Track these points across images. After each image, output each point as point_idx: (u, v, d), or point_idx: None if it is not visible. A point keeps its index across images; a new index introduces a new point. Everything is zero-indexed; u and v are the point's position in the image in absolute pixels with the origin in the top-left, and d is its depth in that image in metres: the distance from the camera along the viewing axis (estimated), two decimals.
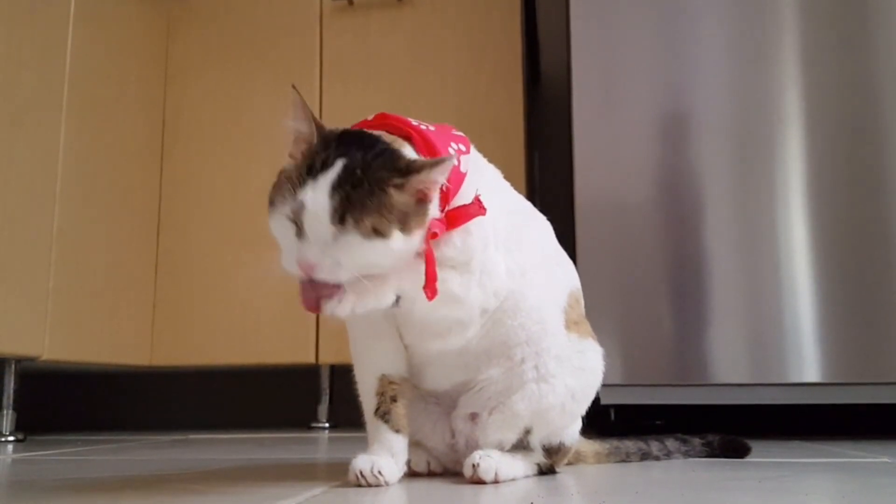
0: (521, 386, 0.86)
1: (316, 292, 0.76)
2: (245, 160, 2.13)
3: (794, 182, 1.53)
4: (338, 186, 0.73)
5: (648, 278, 1.55)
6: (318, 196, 0.73)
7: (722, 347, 1.50)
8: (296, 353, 2.02)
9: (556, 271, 0.95)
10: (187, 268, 2.10)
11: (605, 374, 0.94)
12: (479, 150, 0.91)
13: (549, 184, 2.38)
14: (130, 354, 1.99)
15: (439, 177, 0.76)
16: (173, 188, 2.15)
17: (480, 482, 0.83)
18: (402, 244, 0.75)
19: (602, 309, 1.53)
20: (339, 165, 0.74)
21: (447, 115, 1.75)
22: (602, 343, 0.95)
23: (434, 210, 0.78)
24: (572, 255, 1.52)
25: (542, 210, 0.98)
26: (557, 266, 0.95)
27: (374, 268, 0.76)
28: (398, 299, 0.80)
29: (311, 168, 0.75)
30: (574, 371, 0.89)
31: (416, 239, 0.77)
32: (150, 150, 2.13)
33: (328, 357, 2.02)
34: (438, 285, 0.78)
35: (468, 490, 0.81)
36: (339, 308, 0.76)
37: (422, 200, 0.77)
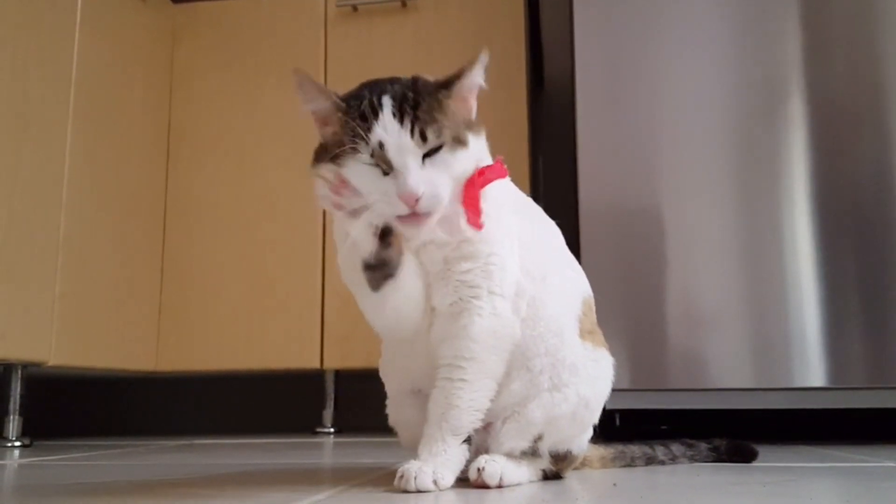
0: (537, 395, 0.86)
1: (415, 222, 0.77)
2: (251, 165, 2.14)
3: (798, 185, 1.53)
4: (400, 114, 0.76)
5: (653, 283, 1.54)
6: (389, 127, 0.76)
7: (727, 352, 1.50)
8: (301, 358, 2.03)
9: (572, 277, 0.94)
10: (193, 273, 2.11)
11: None
12: None
13: (554, 189, 2.38)
14: (136, 360, 2.00)
15: (477, 78, 0.82)
16: (179, 193, 2.16)
17: (485, 486, 0.83)
18: (476, 144, 0.80)
19: (607, 314, 1.51)
20: (387, 101, 0.77)
21: None
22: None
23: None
24: (577, 260, 1.51)
25: (547, 215, 0.98)
26: (572, 272, 0.95)
27: (463, 177, 0.79)
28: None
29: (363, 116, 0.77)
30: (589, 380, 0.88)
31: (482, 140, 0.82)
32: (155, 155, 2.14)
33: (333, 362, 2.02)
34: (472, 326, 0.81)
35: (473, 494, 0.81)
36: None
37: (468, 107, 0.83)
